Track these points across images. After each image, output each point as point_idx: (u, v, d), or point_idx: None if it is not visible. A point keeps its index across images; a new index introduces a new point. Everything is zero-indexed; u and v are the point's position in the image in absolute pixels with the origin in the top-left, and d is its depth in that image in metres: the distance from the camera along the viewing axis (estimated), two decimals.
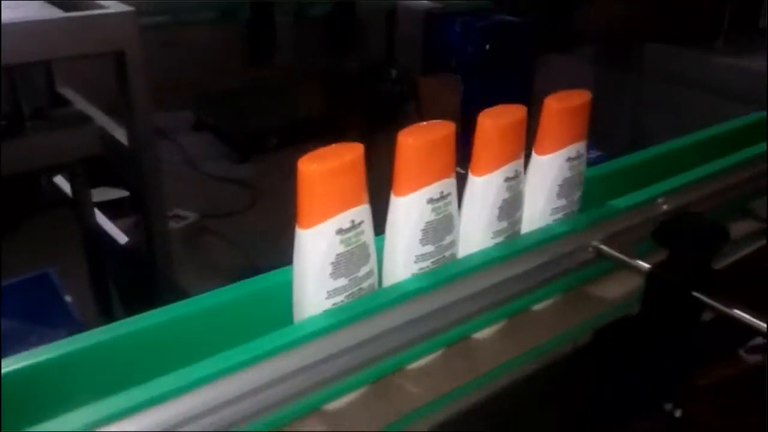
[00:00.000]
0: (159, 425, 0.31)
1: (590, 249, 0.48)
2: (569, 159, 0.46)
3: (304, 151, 0.39)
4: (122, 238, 1.53)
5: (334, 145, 0.39)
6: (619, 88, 1.64)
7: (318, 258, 0.37)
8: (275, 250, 0.63)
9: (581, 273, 0.49)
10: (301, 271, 0.38)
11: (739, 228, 0.60)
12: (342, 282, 0.38)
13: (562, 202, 0.48)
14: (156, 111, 2.63)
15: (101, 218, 1.61)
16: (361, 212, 0.39)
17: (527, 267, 0.44)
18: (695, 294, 0.42)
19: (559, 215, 0.48)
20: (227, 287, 0.41)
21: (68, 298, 1.12)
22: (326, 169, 0.37)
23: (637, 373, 0.44)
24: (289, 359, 0.35)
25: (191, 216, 2.03)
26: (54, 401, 0.32)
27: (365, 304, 0.38)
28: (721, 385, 0.48)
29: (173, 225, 2.00)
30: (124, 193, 2.02)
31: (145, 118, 1.07)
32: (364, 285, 0.40)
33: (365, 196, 0.39)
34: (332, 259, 0.38)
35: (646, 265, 0.45)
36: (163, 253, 1.21)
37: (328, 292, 0.38)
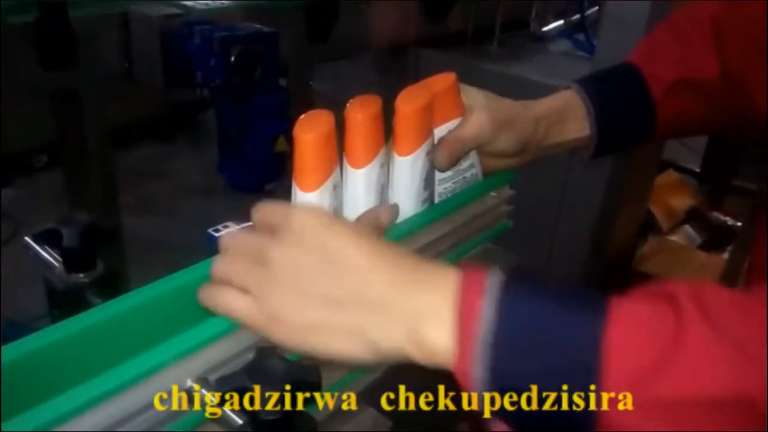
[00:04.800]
0: None
1: (182, 392, 0.34)
2: (428, 153, 0.50)
3: None
4: None
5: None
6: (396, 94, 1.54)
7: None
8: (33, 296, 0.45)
9: None
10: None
11: None
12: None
13: (427, 193, 0.52)
14: None
15: None
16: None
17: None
18: None
19: (426, 205, 0.52)
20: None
21: None
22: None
23: None
24: None
25: None
26: None
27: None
28: None
29: None
30: None
31: None
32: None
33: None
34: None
35: (238, 420, 0.33)
36: None
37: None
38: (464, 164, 0.57)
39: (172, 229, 1.77)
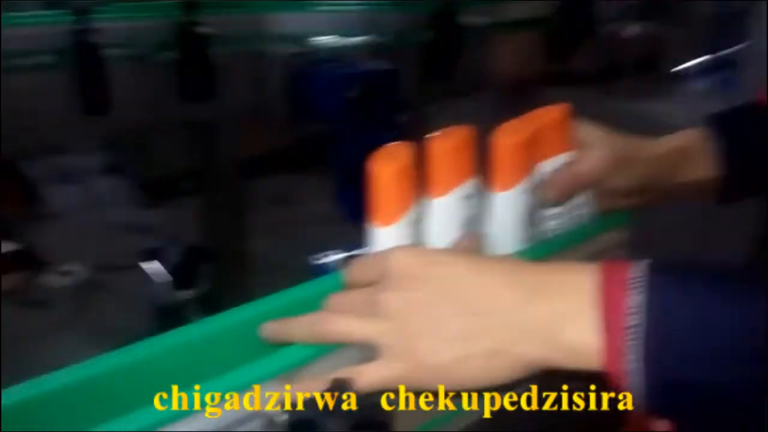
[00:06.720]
0: None
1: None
2: (527, 191, 0.48)
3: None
4: None
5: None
6: None
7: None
8: None
9: None
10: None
11: None
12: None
13: (528, 233, 0.49)
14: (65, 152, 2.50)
15: None
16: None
17: None
18: None
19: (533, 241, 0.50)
20: None
21: None
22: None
23: None
24: None
25: (80, 270, 1.87)
26: None
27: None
28: None
29: (59, 281, 1.84)
30: None
31: None
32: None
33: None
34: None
35: None
36: None
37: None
38: (576, 202, 0.54)
39: (286, 253, 1.85)
